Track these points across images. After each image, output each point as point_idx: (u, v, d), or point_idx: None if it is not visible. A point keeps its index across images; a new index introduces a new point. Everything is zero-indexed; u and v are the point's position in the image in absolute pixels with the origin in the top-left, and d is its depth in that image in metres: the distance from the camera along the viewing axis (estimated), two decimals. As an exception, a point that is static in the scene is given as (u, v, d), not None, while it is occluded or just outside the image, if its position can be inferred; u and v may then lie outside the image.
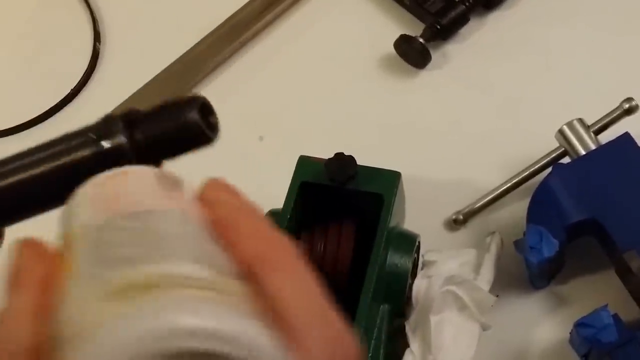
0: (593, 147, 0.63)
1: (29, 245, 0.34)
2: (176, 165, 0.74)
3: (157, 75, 0.79)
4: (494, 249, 0.61)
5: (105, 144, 0.38)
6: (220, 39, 0.80)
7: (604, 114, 0.66)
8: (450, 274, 0.59)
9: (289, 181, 0.61)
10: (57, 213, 0.37)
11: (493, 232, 0.63)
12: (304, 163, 0.61)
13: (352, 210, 0.61)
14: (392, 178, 0.60)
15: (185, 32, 0.80)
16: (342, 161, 0.58)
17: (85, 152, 0.38)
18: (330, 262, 0.59)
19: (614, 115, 0.65)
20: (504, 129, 0.72)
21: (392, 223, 0.59)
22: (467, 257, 0.61)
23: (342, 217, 0.61)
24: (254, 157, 0.75)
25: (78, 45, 0.84)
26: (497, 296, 0.63)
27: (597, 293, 0.63)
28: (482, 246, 0.62)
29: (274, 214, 0.61)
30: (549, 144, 0.66)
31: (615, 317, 0.56)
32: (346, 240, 0.59)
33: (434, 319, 0.57)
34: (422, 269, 0.61)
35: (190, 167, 0.78)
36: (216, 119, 0.40)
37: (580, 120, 0.64)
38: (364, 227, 0.60)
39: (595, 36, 0.76)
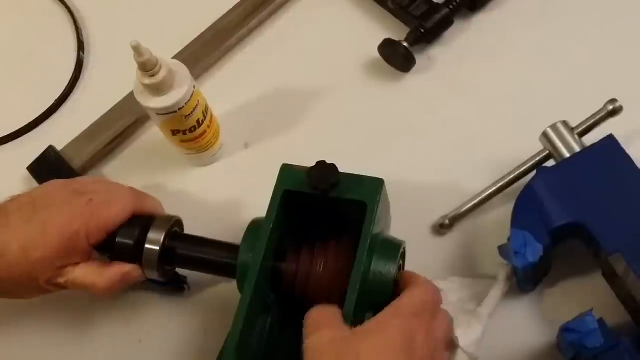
0: (577, 149, 0.63)
1: None
2: (167, 172, 0.72)
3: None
4: (502, 282, 0.60)
5: None
6: (204, 46, 0.80)
7: (589, 115, 0.65)
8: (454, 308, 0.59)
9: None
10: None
11: (504, 263, 0.61)
12: (287, 171, 0.61)
13: (336, 218, 0.60)
14: (375, 185, 0.59)
15: (169, 40, 0.79)
16: (324, 170, 0.58)
17: None
18: (327, 280, 0.59)
19: (599, 117, 0.65)
20: (489, 132, 0.72)
21: (376, 230, 0.59)
22: (473, 289, 0.61)
23: (338, 231, 0.60)
24: (239, 164, 0.75)
25: (62, 55, 0.84)
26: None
27: (584, 296, 0.62)
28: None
29: (257, 223, 0.61)
30: (535, 146, 0.66)
31: (601, 321, 0.56)
32: (345, 259, 0.59)
33: None
34: None
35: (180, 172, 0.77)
36: None
37: (565, 123, 0.64)
38: (349, 235, 0.60)
39: (580, 38, 0.76)
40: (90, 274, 0.61)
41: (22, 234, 0.59)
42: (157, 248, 0.61)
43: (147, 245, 0.61)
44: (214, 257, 0.62)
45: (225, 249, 0.61)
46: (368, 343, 0.50)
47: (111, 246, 0.61)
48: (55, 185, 0.64)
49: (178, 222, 0.65)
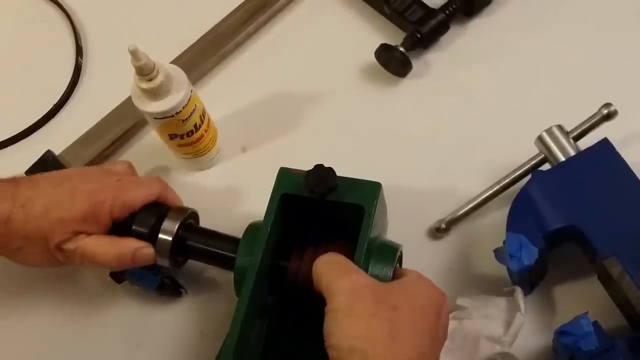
0: (572, 153, 0.63)
1: None
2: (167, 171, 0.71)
3: (139, 89, 0.79)
4: (522, 306, 0.60)
5: None
6: (202, 51, 0.80)
7: (583, 119, 0.66)
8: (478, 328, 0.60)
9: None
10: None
11: (514, 285, 0.62)
12: (285, 175, 0.61)
13: (334, 221, 0.61)
14: (372, 189, 0.59)
15: (167, 45, 0.80)
16: (322, 173, 0.58)
17: None
18: None
19: (593, 121, 0.65)
20: (485, 136, 0.72)
21: (374, 234, 0.59)
22: (496, 305, 0.61)
23: (336, 234, 0.60)
24: (237, 168, 0.75)
25: (61, 59, 0.84)
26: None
27: (580, 299, 0.63)
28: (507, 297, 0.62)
29: (254, 226, 0.61)
30: (530, 150, 0.66)
31: (596, 324, 0.56)
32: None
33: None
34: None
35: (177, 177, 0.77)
36: None
37: (560, 127, 0.64)
38: (347, 238, 0.60)
39: (575, 42, 0.77)
40: (103, 244, 0.62)
41: (49, 195, 0.62)
42: (170, 238, 0.63)
43: (160, 235, 0.63)
44: (225, 251, 0.63)
45: (237, 243, 0.62)
46: (404, 294, 0.52)
47: (128, 226, 0.63)
48: (87, 167, 0.70)
49: (193, 214, 0.66)
